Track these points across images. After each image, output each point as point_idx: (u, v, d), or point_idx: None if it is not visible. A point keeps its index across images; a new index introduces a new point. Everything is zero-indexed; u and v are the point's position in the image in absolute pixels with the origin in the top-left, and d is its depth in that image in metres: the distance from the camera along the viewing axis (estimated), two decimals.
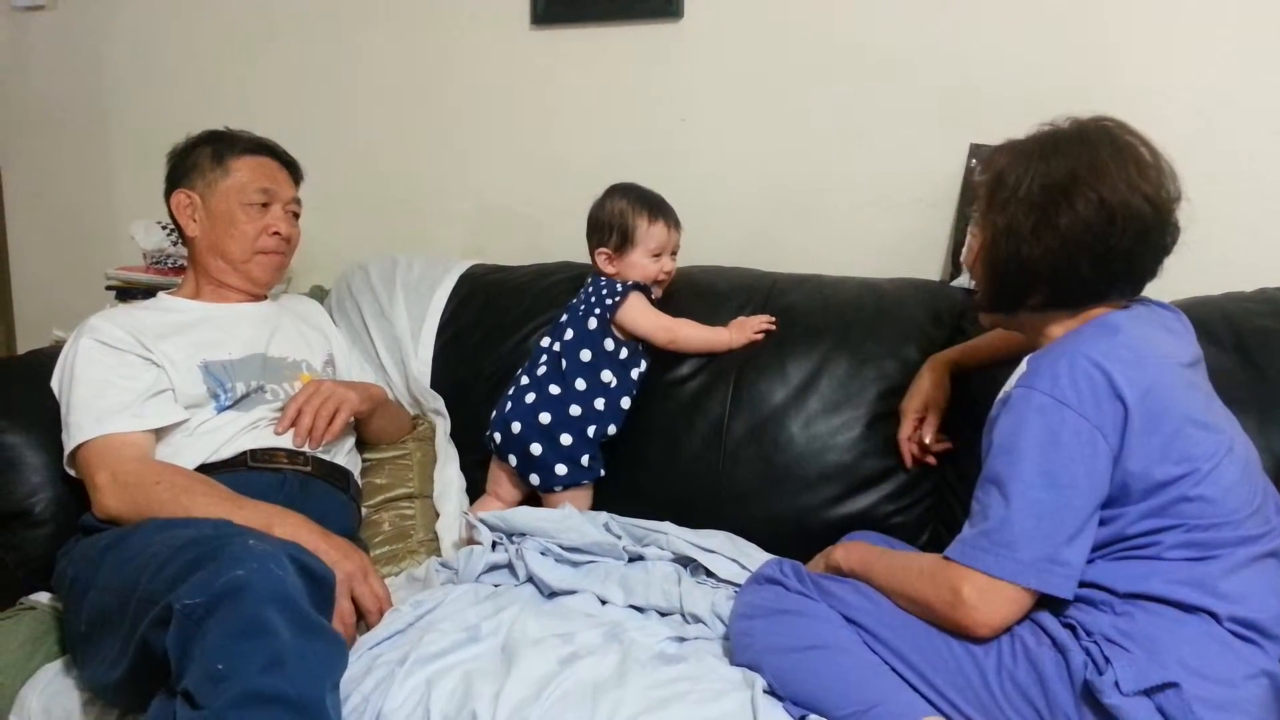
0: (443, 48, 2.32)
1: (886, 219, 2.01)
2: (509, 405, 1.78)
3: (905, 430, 1.63)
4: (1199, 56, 1.77)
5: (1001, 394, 1.25)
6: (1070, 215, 1.22)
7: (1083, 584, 1.18)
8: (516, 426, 1.74)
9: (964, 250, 1.38)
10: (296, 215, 1.85)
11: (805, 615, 1.28)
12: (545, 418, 1.73)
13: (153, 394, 1.59)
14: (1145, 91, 1.80)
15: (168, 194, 1.79)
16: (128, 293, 2.22)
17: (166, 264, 2.24)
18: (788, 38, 2.03)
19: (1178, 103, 1.79)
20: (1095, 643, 1.12)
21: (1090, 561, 1.18)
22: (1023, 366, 1.23)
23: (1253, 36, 1.73)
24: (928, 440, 1.62)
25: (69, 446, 1.54)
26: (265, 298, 1.86)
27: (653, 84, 2.16)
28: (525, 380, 1.80)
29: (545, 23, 2.21)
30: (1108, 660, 1.10)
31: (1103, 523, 1.18)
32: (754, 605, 1.34)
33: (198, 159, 1.77)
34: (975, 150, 1.91)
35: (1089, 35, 1.82)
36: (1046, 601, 1.19)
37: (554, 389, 1.75)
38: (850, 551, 1.41)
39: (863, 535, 1.57)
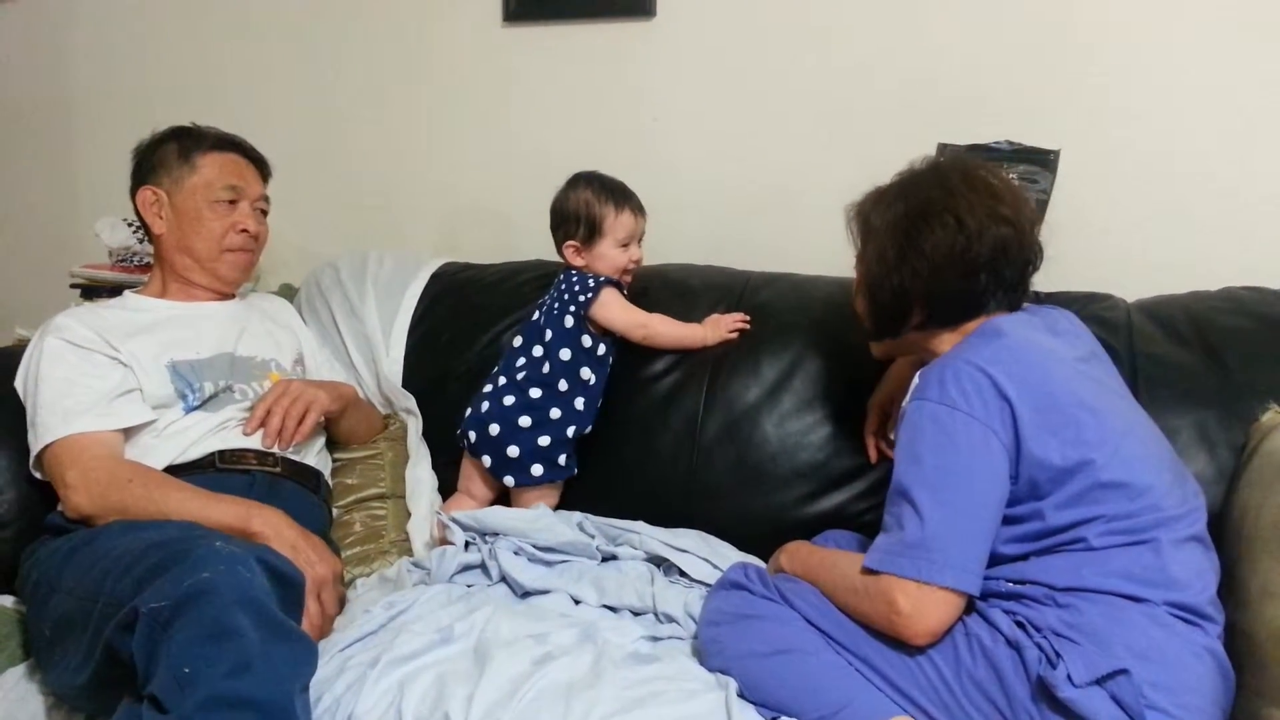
0: (414, 45, 2.31)
1: None
2: (485, 405, 1.76)
3: (871, 426, 1.66)
4: (1162, 60, 1.79)
5: (900, 408, 1.31)
6: (932, 237, 1.31)
7: (1022, 581, 1.21)
8: (495, 429, 1.73)
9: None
10: (265, 213, 1.83)
11: (771, 620, 1.30)
12: (525, 421, 1.72)
13: (120, 393, 1.57)
14: (1109, 93, 1.82)
15: (133, 191, 1.76)
16: (93, 290, 2.20)
17: (132, 262, 2.21)
18: (760, 37, 2.04)
19: (1141, 104, 1.81)
20: (1045, 638, 1.15)
21: (1024, 558, 1.22)
22: (915, 380, 1.29)
23: (1215, 40, 1.75)
24: (892, 437, 1.63)
25: (36, 448, 1.52)
26: (233, 296, 1.84)
27: (625, 82, 2.16)
28: (503, 381, 1.78)
29: (517, 20, 2.20)
30: (1059, 654, 1.12)
31: (1024, 519, 1.22)
32: (720, 611, 1.35)
33: (164, 155, 1.75)
34: (942, 150, 1.92)
35: (1056, 38, 1.84)
36: (996, 599, 1.21)
37: (535, 393, 1.74)
38: (793, 557, 1.43)
39: (834, 534, 1.59)
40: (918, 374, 1.29)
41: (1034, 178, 1.82)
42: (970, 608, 1.21)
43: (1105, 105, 1.83)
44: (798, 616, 1.29)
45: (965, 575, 1.18)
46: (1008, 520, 1.22)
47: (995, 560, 1.22)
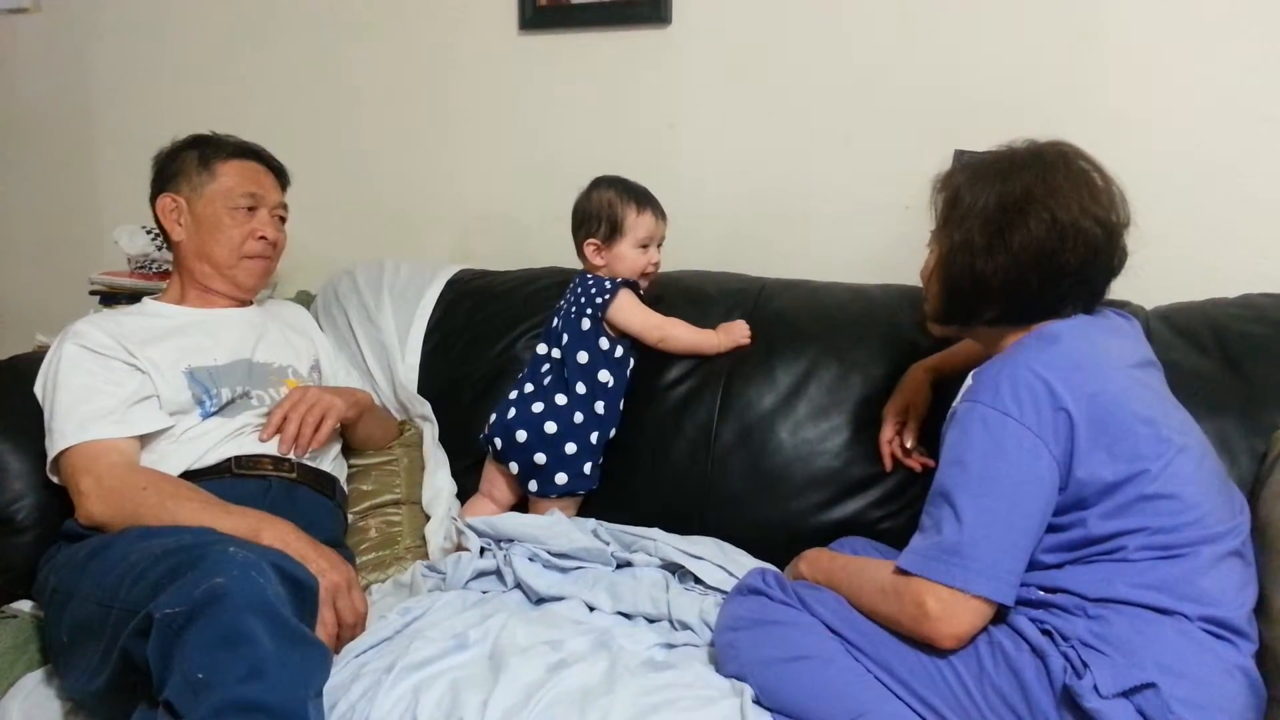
0: (431, 53, 2.32)
1: (874, 224, 2.02)
2: (512, 412, 1.76)
3: (886, 434, 1.64)
4: (1184, 64, 1.78)
5: (951, 409, 1.28)
6: (1023, 233, 1.25)
7: (1054, 589, 1.19)
8: (522, 435, 1.73)
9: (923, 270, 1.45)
10: (283, 220, 1.84)
11: (790, 626, 1.29)
12: (551, 427, 1.72)
13: (137, 400, 1.58)
14: (1131, 99, 1.81)
15: (153, 198, 1.78)
16: (112, 298, 2.21)
17: (151, 269, 2.23)
18: (776, 43, 2.04)
19: (1163, 110, 1.79)
20: (1072, 647, 1.13)
21: (1059, 566, 1.20)
22: (969, 381, 1.27)
23: (1236, 44, 1.74)
24: (909, 444, 1.63)
25: (52, 453, 1.53)
26: (251, 303, 1.85)
27: (641, 89, 2.16)
28: (530, 388, 1.78)
29: (533, 28, 2.21)
30: (1085, 664, 1.11)
31: (1066, 528, 1.20)
32: (738, 617, 1.34)
33: (183, 163, 1.76)
34: (959, 156, 1.91)
35: (1076, 42, 1.83)
36: (1024, 607, 1.20)
37: (560, 399, 1.74)
38: (814, 564, 1.42)
39: (852, 541, 1.58)
40: (972, 375, 1.27)
41: None
42: (997, 615, 1.19)
43: (1123, 111, 1.82)
44: (816, 622, 1.28)
45: (1000, 585, 1.16)
46: (1050, 528, 1.20)
47: (1030, 566, 1.20)
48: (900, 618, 1.21)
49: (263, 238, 1.76)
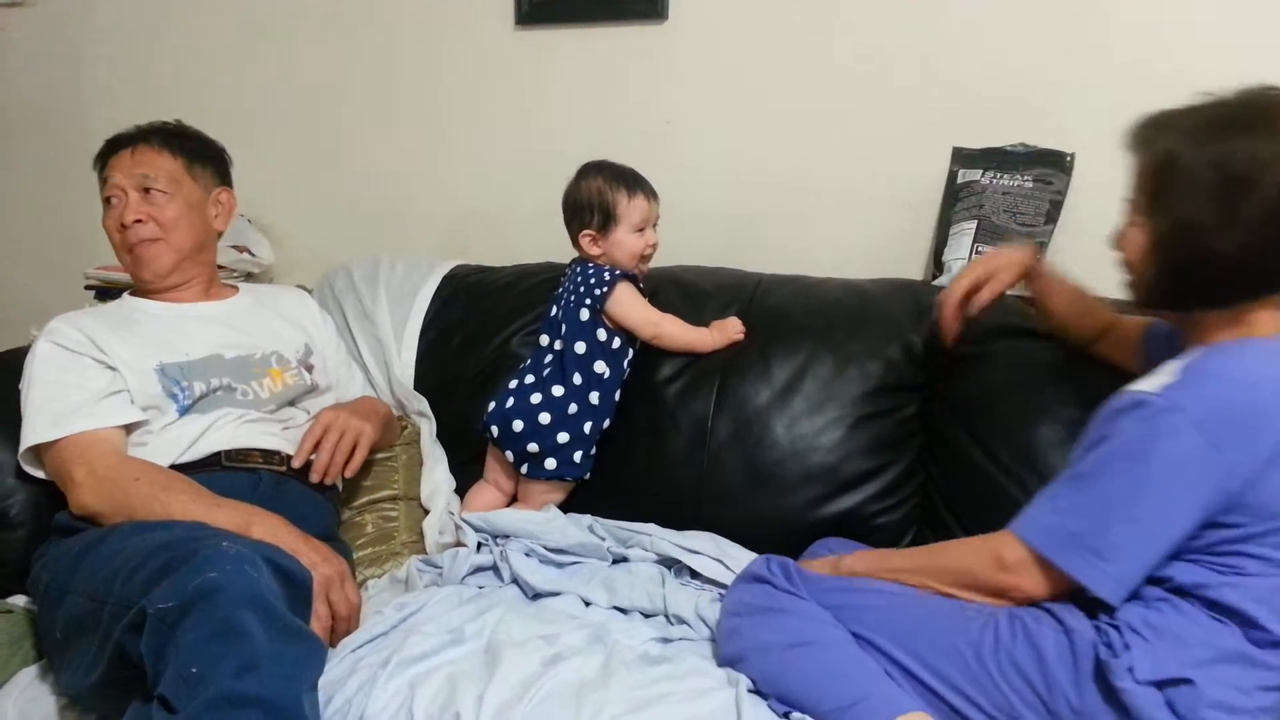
0: (427, 48, 2.31)
1: (870, 220, 2.02)
2: (511, 401, 1.76)
3: (954, 295, 1.50)
4: (1183, 60, 1.77)
5: (1137, 387, 1.16)
6: (1260, 204, 1.11)
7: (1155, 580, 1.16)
8: (518, 425, 1.73)
9: (1117, 240, 1.26)
10: (158, 190, 1.69)
11: (793, 613, 1.28)
12: (545, 418, 1.72)
13: (107, 394, 1.56)
14: (1125, 94, 1.80)
15: None
16: (107, 292, 2.20)
17: None
18: (773, 40, 2.04)
19: (1158, 105, 1.79)
20: (1116, 626, 1.11)
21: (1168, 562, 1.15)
22: (1170, 377, 1.14)
23: (1237, 37, 1.74)
24: (975, 311, 1.51)
25: (22, 446, 1.52)
26: (235, 291, 1.82)
27: (637, 85, 2.16)
28: (530, 379, 1.78)
29: (529, 23, 2.21)
30: (1126, 645, 1.09)
31: (1206, 528, 1.13)
32: (742, 603, 1.34)
33: None
34: (957, 153, 1.91)
35: (1073, 40, 1.83)
36: None
37: (557, 389, 1.74)
38: (861, 558, 1.40)
39: (832, 542, 1.58)
40: (1177, 368, 1.15)
41: (1049, 179, 1.81)
42: None
43: (1121, 107, 1.81)
44: (821, 610, 1.27)
45: (1123, 591, 1.13)
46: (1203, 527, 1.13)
47: None
48: (978, 568, 1.20)
49: (124, 226, 1.67)
